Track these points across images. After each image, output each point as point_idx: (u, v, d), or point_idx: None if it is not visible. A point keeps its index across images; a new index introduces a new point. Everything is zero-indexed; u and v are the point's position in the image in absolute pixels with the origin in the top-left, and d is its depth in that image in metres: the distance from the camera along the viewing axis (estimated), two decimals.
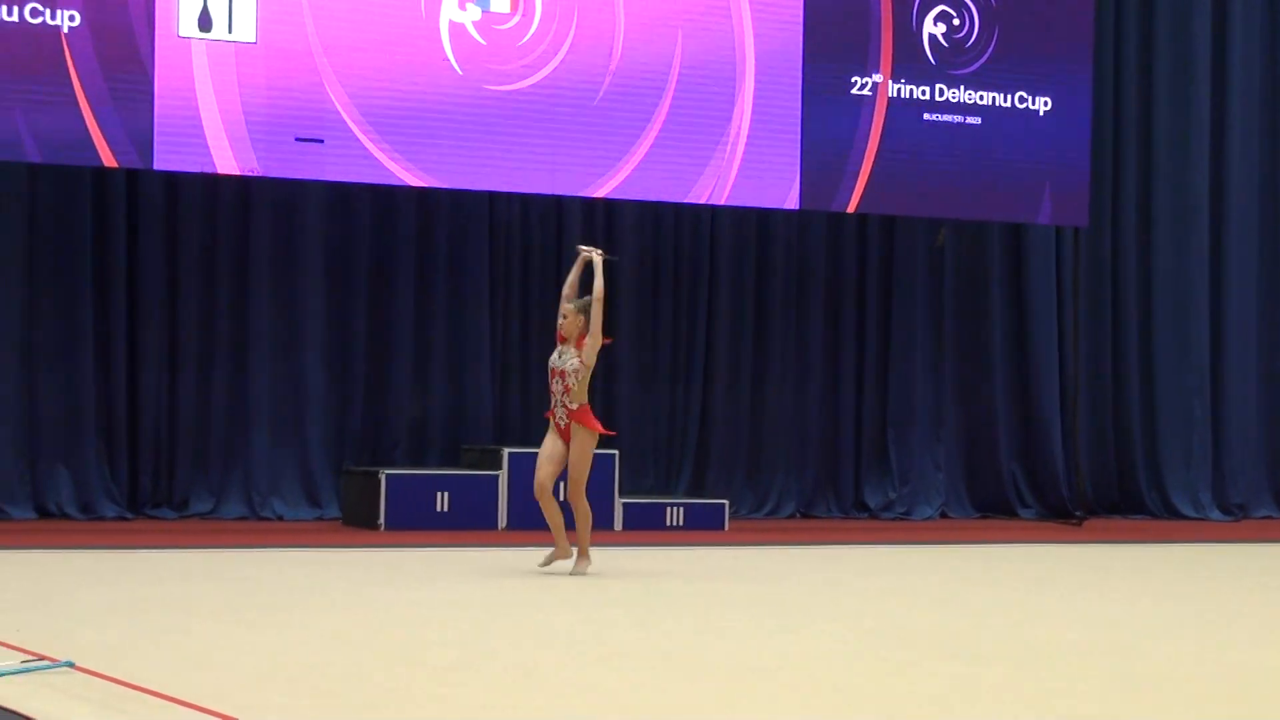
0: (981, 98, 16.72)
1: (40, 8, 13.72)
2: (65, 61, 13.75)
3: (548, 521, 11.85)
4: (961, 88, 16.65)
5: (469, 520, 15.16)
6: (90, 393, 15.60)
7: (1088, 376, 18.78)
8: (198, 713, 6.27)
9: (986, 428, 18.62)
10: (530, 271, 17.26)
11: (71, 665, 7.08)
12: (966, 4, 16.67)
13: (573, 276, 12.00)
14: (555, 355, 11.80)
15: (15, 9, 13.67)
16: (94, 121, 13.81)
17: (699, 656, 8.11)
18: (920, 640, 8.86)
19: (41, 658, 7.22)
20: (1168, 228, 19.14)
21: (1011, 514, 18.51)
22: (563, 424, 11.76)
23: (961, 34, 16.68)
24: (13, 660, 7.16)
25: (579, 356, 11.70)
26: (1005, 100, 16.81)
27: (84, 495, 15.56)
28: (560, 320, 11.81)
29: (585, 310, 11.73)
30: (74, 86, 13.76)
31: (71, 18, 13.80)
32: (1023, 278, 18.74)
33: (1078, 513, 17.95)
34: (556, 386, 11.73)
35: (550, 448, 11.78)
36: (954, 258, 18.62)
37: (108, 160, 13.97)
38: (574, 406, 11.71)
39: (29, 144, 13.75)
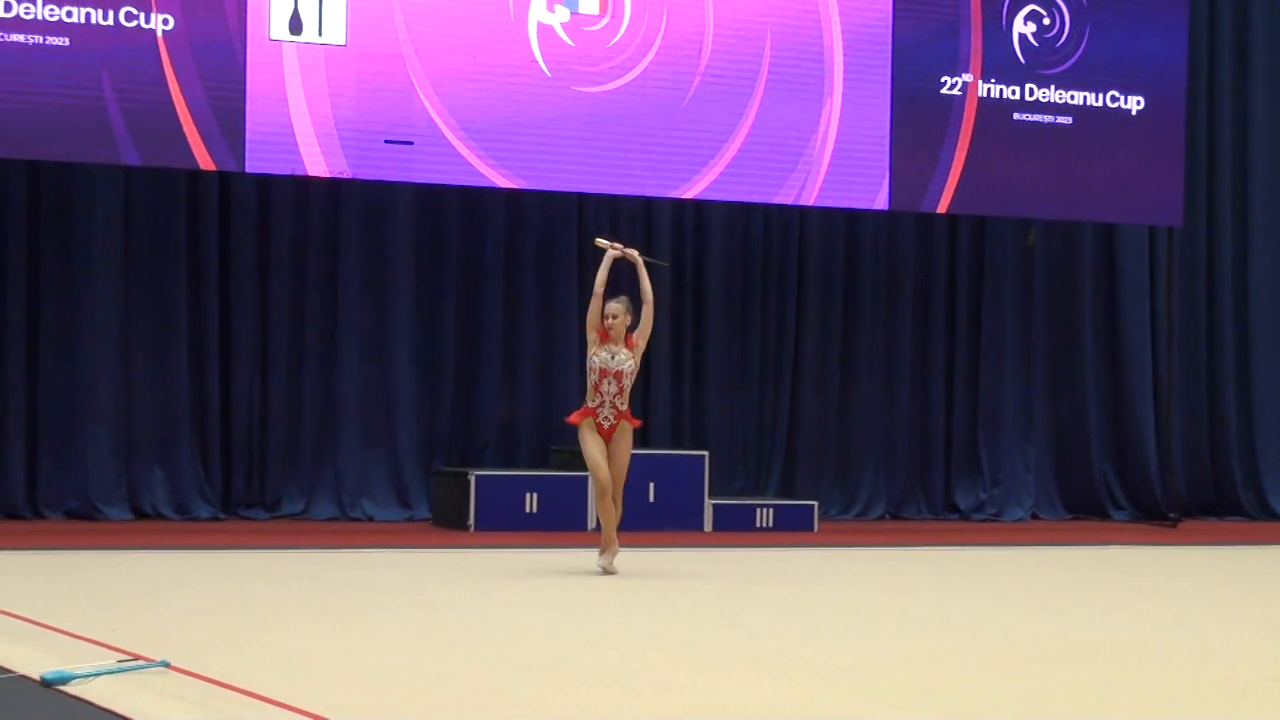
0: (1073, 97, 16.59)
1: (135, 11, 13.84)
2: (162, 64, 13.86)
3: (606, 521, 11.76)
4: (1052, 87, 16.53)
5: (558, 521, 15.17)
6: (184, 394, 15.74)
7: (1182, 376, 18.60)
8: (291, 713, 6.30)
9: (1078, 428, 18.48)
10: (620, 272, 17.21)
11: (167, 665, 7.12)
12: (1057, 3, 16.55)
13: (603, 274, 11.89)
14: (607, 355, 11.68)
15: (110, 12, 13.79)
16: (191, 124, 13.92)
17: (789, 658, 8.08)
18: (1013, 642, 8.80)
19: (137, 657, 7.27)
20: (1264, 226, 18.94)
21: (1104, 516, 18.36)
22: (608, 424, 11.65)
23: (1052, 33, 16.56)
24: (109, 660, 7.21)
25: (634, 359, 11.69)
26: (1097, 100, 16.67)
27: (178, 496, 15.70)
28: (610, 320, 11.73)
29: (632, 310, 11.73)
30: (170, 89, 13.88)
31: (165, 21, 13.91)
32: (1115, 278, 18.58)
33: (1172, 514, 17.78)
34: (610, 388, 11.64)
35: (602, 448, 11.68)
36: (1045, 258, 18.50)
37: (204, 163, 14.08)
38: (624, 407, 11.68)
39: (126, 146, 13.86)
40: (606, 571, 11.61)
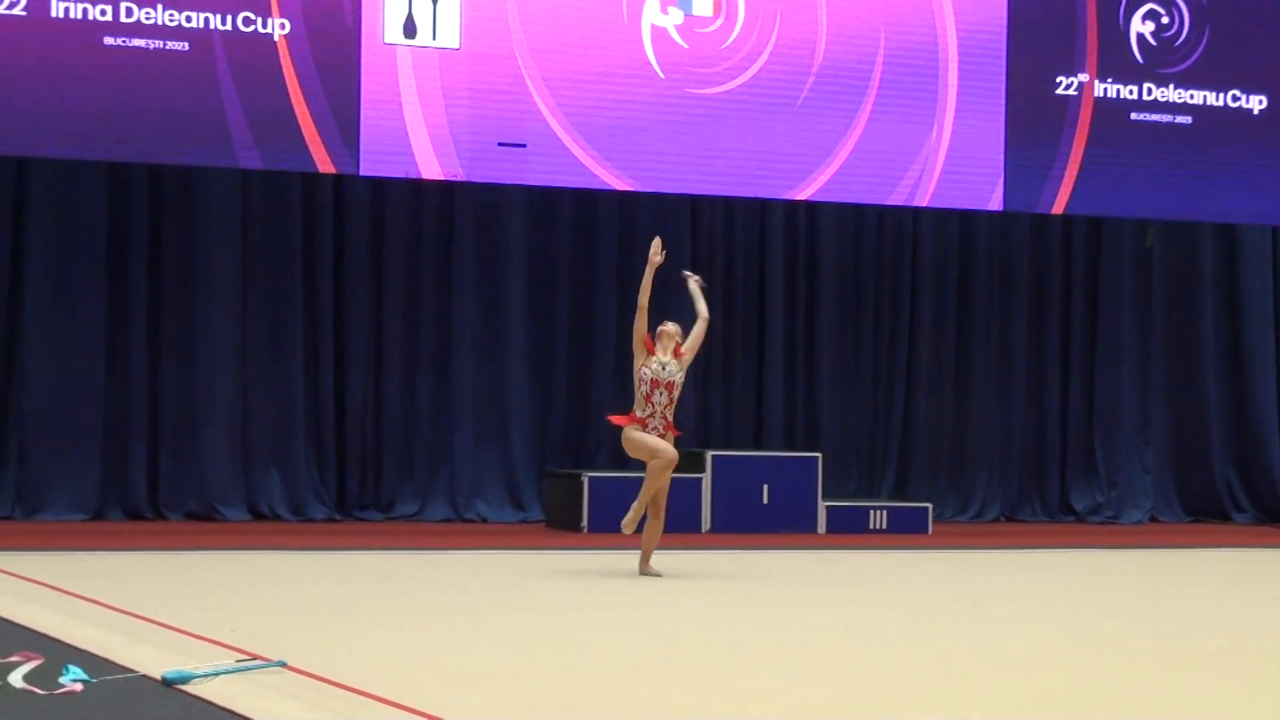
0: (1192, 96, 16.41)
1: (252, 15, 13.97)
2: (281, 68, 13.98)
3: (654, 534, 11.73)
4: (1171, 86, 16.35)
5: (672, 523, 14.98)
6: (299, 396, 15.86)
7: None
8: (407, 713, 6.33)
9: (1198, 430, 18.28)
10: (733, 273, 17.25)
11: (284, 665, 7.17)
12: (1176, 2, 16.37)
13: (649, 286, 11.72)
14: (658, 366, 11.51)
15: (228, 17, 13.92)
16: (312, 127, 14.04)
17: (904, 660, 8.04)
18: (1134, 646, 8.71)
19: (255, 657, 7.33)
20: None
21: (1225, 518, 18.15)
22: (655, 435, 11.54)
23: (1170, 32, 16.38)
24: (227, 660, 7.28)
25: (682, 370, 11.57)
26: (1217, 99, 16.47)
27: (294, 497, 15.83)
28: (661, 332, 11.62)
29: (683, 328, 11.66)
30: (289, 93, 13.99)
31: (283, 25, 14.03)
32: (1236, 277, 18.37)
33: None
34: (661, 398, 11.50)
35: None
36: (1163, 258, 18.30)
37: (323, 166, 14.20)
38: (671, 418, 11.58)
39: (246, 150, 13.97)
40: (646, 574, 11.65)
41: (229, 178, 15.53)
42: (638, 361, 11.60)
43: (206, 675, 6.90)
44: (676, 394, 11.59)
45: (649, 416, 11.55)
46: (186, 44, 13.87)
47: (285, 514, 15.75)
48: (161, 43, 13.82)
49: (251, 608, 9.52)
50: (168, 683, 6.86)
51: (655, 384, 11.53)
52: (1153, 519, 18.04)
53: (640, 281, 11.76)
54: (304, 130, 14.04)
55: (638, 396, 11.59)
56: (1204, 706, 7.05)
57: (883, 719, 6.65)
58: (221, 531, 14.63)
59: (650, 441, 11.53)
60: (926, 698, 7.08)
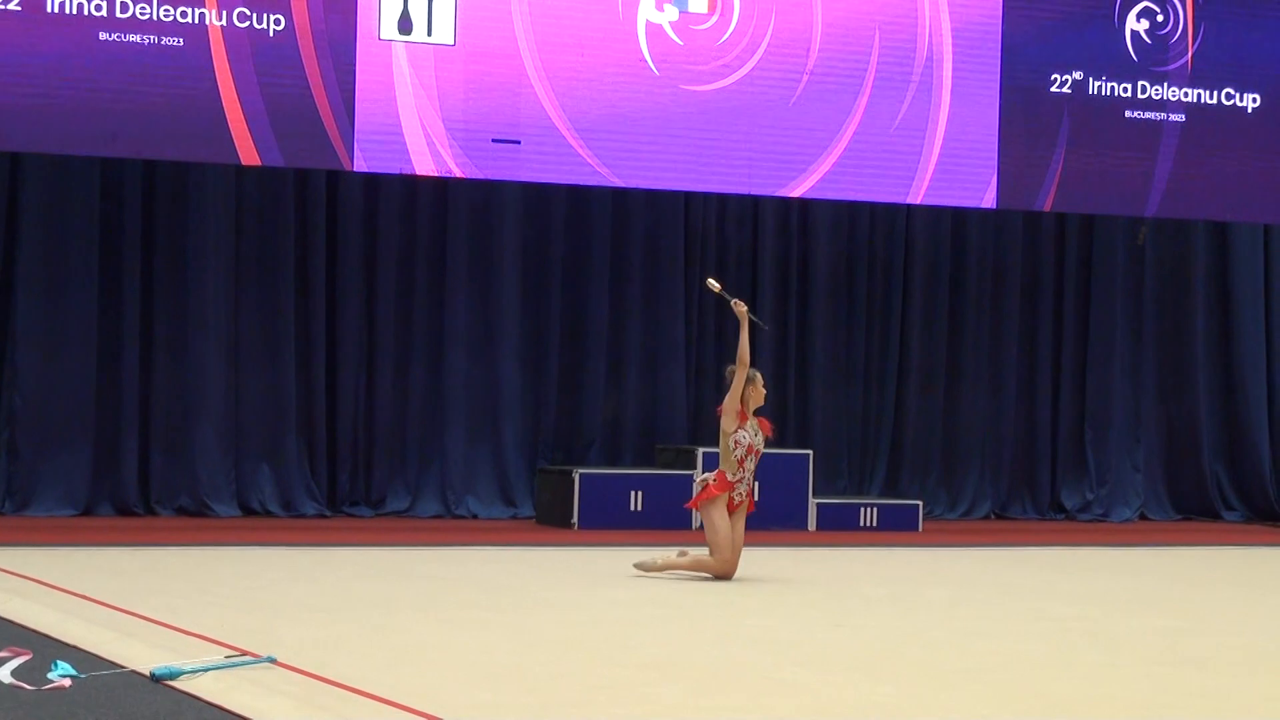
0: (1186, 94, 16.39)
1: (247, 11, 13.92)
2: (278, 64, 13.93)
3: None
4: (1165, 84, 16.35)
5: (663, 520, 15.16)
6: (291, 392, 15.85)
7: None
8: (396, 709, 6.33)
9: (1188, 428, 18.29)
10: (725, 271, 17.24)
11: (273, 661, 7.18)
12: (1171, 0, 16.36)
13: (745, 339, 11.45)
14: (752, 433, 11.31)
15: (224, 13, 13.86)
16: (310, 123, 14.00)
17: (896, 658, 8.04)
18: (1121, 644, 8.72)
19: (244, 653, 7.34)
20: None
21: (1215, 517, 18.16)
22: (738, 500, 11.33)
23: (1165, 30, 16.37)
24: (216, 655, 7.28)
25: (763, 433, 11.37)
26: (1211, 97, 16.44)
27: (285, 493, 15.81)
28: (751, 389, 11.34)
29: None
30: (286, 89, 13.95)
31: (277, 21, 14.00)
32: (1228, 275, 18.39)
33: None
34: (751, 465, 11.37)
35: (731, 529, 11.32)
36: (1155, 256, 18.32)
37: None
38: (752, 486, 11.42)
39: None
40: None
41: (221, 174, 15.51)
42: (732, 424, 11.25)
43: (196, 671, 6.91)
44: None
45: (738, 481, 11.32)
46: (181, 39, 13.84)
47: (276, 510, 15.73)
48: (156, 38, 13.79)
49: (241, 603, 9.52)
50: (157, 678, 6.86)
51: (750, 450, 11.32)
52: (1142, 517, 18.06)
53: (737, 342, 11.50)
54: (306, 126, 13.99)
55: (731, 460, 11.32)
56: (1212, 708, 7.05)
57: (885, 717, 6.66)
58: (212, 527, 14.62)
59: (724, 531, 11.23)
60: (923, 694, 7.09)
